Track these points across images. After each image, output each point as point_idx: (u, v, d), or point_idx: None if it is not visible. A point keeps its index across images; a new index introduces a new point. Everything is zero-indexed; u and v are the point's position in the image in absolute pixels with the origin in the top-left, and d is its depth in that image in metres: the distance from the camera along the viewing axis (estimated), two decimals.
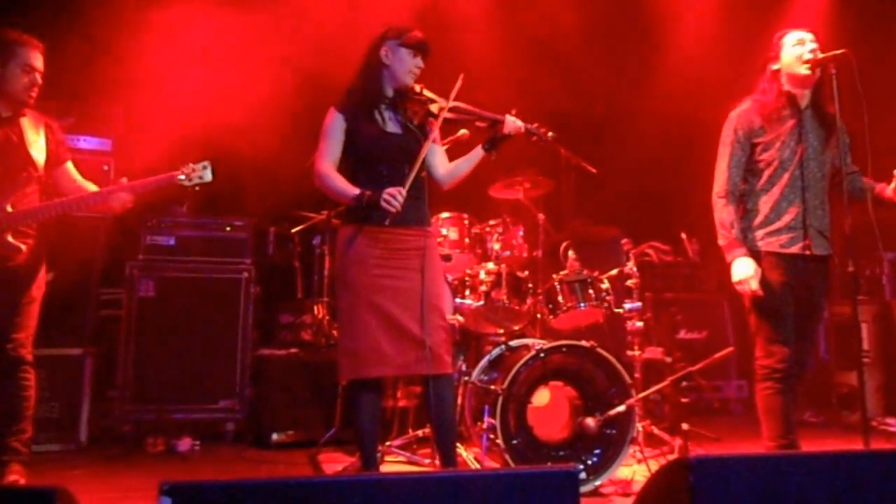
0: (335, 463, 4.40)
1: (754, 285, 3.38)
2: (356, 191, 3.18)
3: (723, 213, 3.49)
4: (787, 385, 3.37)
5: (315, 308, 5.47)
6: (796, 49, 3.46)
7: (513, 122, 3.26)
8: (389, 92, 3.34)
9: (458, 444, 3.87)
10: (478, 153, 3.34)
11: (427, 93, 3.32)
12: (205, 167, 3.59)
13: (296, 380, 4.96)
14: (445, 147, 3.57)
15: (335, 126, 3.30)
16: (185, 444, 4.69)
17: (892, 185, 3.45)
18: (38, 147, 3.59)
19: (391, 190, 3.09)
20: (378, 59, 3.32)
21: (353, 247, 3.23)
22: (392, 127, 3.32)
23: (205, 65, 5.17)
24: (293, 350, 5.18)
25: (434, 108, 3.27)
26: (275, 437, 4.83)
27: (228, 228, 5.24)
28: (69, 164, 3.73)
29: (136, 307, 4.93)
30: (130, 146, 4.90)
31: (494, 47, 5.65)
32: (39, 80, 3.54)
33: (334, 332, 5.20)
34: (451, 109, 3.27)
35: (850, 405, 5.87)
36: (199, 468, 4.37)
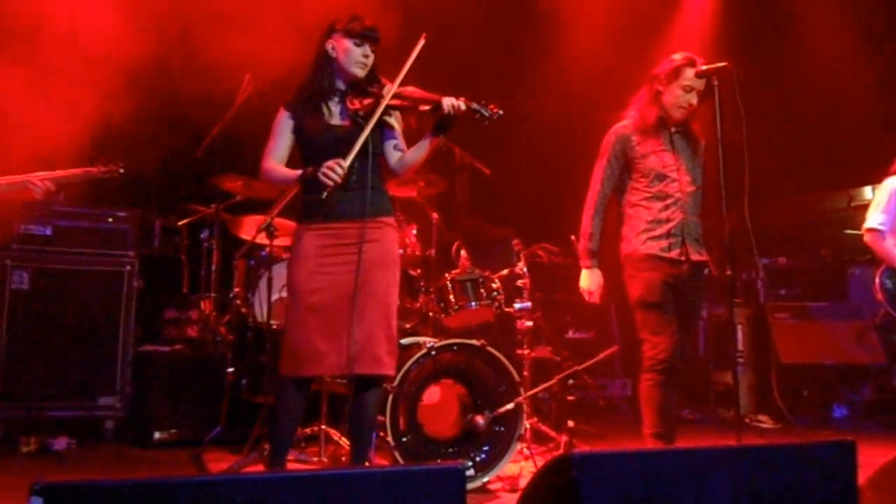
0: (220, 462, 4.30)
1: (592, 299, 3.82)
2: (298, 172, 3.16)
3: (586, 223, 3.77)
4: (669, 377, 3.57)
5: (202, 304, 5.32)
6: (681, 94, 3.66)
7: (450, 102, 3.08)
8: (342, 85, 3.28)
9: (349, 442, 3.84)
10: (427, 140, 3.23)
11: (379, 83, 3.25)
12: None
13: (180, 377, 4.83)
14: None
15: (282, 124, 3.28)
16: (60, 442, 4.48)
17: None
18: None
19: (330, 162, 3.03)
20: (325, 53, 3.27)
21: (299, 245, 3.22)
22: (338, 119, 3.26)
23: (86, 48, 4.93)
24: (178, 346, 5.04)
25: (392, 93, 3.19)
26: (157, 435, 4.68)
27: (110, 219, 5.03)
28: None
29: (8, 300, 4.65)
30: (4, 134, 4.62)
31: (390, 46, 5.63)
32: None
33: (221, 329, 5.10)
34: (394, 96, 3.17)
35: (725, 403, 6.16)
36: (75, 468, 4.19)
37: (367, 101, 3.19)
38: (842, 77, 6.48)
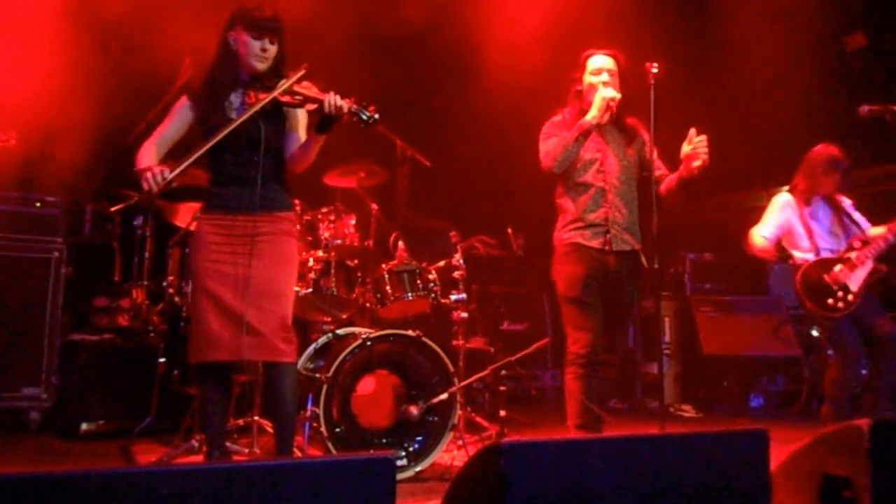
0: (149, 454, 4.23)
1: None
2: (141, 165, 3.15)
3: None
4: (590, 370, 3.63)
5: (134, 292, 5.22)
6: (593, 78, 3.78)
7: (330, 102, 3.08)
8: (245, 77, 3.26)
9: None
10: (311, 137, 3.25)
11: (284, 78, 3.21)
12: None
13: (109, 367, 4.74)
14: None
15: (179, 111, 3.27)
16: None
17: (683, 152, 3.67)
18: None
19: (156, 168, 3.05)
20: (227, 45, 3.24)
21: (199, 233, 3.27)
22: (237, 114, 3.23)
23: (17, 30, 4.79)
24: (108, 335, 4.94)
25: (277, 92, 3.19)
26: (84, 426, 4.59)
27: (38, 204, 4.90)
28: None
29: None
30: None
31: (332, 37, 5.59)
32: None
33: (154, 318, 5.01)
34: (286, 92, 3.17)
35: (652, 393, 6.34)
36: None
37: (262, 96, 3.17)
38: (765, 79, 6.70)
